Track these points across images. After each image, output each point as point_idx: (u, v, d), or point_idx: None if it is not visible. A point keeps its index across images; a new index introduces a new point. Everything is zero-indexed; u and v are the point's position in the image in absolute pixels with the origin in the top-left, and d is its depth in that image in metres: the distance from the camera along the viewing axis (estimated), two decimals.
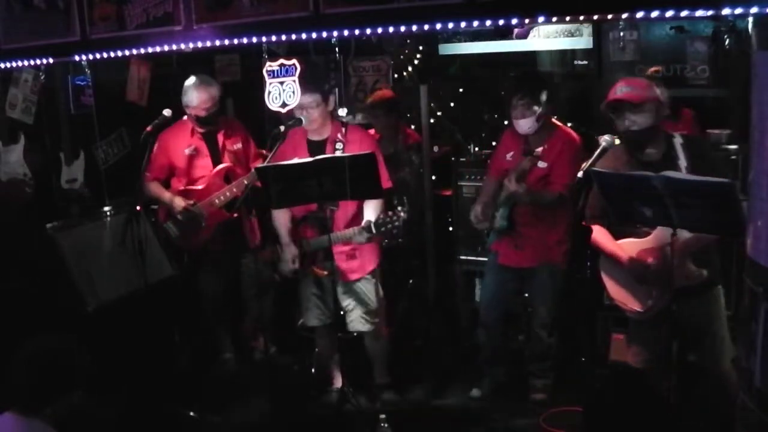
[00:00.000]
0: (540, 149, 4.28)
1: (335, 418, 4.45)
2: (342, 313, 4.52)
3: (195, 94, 4.77)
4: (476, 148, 5.56)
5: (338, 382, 4.61)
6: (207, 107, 4.79)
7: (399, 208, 4.20)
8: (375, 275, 4.53)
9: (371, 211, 4.29)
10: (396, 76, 6.21)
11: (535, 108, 4.28)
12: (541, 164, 4.31)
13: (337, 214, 4.31)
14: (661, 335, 3.59)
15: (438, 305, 5.49)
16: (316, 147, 4.36)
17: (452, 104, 6.52)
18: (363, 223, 4.23)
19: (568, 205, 4.26)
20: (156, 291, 4.69)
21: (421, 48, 6.33)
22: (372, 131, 5.56)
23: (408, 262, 5.57)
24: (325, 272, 4.34)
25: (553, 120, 4.47)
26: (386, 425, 3.97)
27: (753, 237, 2.84)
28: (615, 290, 3.79)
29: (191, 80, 4.82)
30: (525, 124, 4.33)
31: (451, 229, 5.50)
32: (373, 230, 4.17)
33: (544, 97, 4.32)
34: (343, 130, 4.39)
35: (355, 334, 4.64)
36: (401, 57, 6.26)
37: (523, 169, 4.26)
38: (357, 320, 4.49)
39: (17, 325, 4.23)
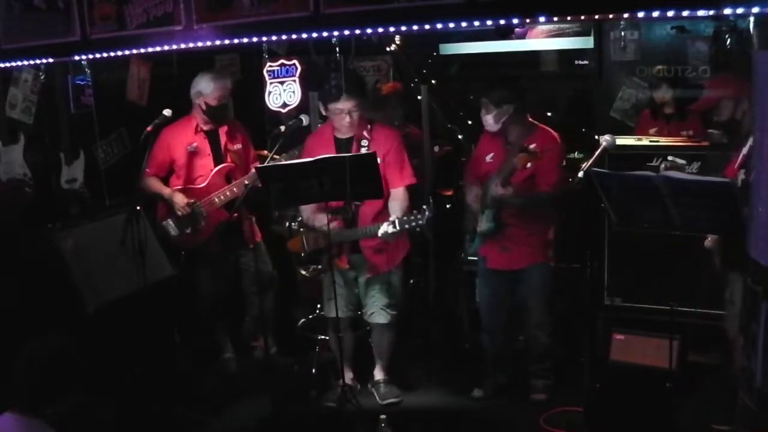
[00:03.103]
0: (534, 144, 4.17)
1: (335, 418, 4.45)
2: (361, 308, 4.58)
3: (210, 83, 4.79)
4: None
5: (347, 378, 4.61)
6: (219, 96, 4.80)
7: (424, 207, 4.20)
8: (401, 268, 4.59)
9: (397, 207, 4.32)
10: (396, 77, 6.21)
11: (493, 108, 4.29)
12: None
13: (363, 209, 4.36)
14: None
15: (438, 305, 5.48)
16: (342, 145, 4.39)
17: (452, 104, 6.51)
18: (390, 219, 4.24)
19: (555, 205, 4.26)
20: (156, 291, 4.69)
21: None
22: None
23: (408, 261, 5.56)
24: (347, 265, 4.40)
25: (531, 120, 4.44)
26: (386, 425, 3.97)
27: (753, 237, 2.84)
28: None
29: (206, 71, 4.88)
30: (490, 120, 4.34)
31: (450, 229, 5.49)
32: (398, 226, 4.18)
33: (506, 98, 4.30)
34: (369, 127, 4.42)
35: (368, 328, 4.66)
36: (402, 57, 6.25)
37: (509, 170, 4.18)
38: (378, 312, 4.51)
39: (18, 326, 4.23)
